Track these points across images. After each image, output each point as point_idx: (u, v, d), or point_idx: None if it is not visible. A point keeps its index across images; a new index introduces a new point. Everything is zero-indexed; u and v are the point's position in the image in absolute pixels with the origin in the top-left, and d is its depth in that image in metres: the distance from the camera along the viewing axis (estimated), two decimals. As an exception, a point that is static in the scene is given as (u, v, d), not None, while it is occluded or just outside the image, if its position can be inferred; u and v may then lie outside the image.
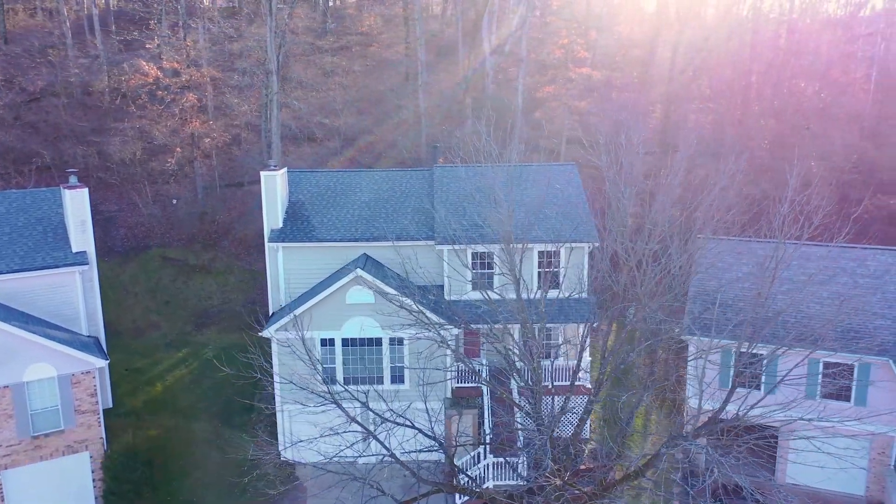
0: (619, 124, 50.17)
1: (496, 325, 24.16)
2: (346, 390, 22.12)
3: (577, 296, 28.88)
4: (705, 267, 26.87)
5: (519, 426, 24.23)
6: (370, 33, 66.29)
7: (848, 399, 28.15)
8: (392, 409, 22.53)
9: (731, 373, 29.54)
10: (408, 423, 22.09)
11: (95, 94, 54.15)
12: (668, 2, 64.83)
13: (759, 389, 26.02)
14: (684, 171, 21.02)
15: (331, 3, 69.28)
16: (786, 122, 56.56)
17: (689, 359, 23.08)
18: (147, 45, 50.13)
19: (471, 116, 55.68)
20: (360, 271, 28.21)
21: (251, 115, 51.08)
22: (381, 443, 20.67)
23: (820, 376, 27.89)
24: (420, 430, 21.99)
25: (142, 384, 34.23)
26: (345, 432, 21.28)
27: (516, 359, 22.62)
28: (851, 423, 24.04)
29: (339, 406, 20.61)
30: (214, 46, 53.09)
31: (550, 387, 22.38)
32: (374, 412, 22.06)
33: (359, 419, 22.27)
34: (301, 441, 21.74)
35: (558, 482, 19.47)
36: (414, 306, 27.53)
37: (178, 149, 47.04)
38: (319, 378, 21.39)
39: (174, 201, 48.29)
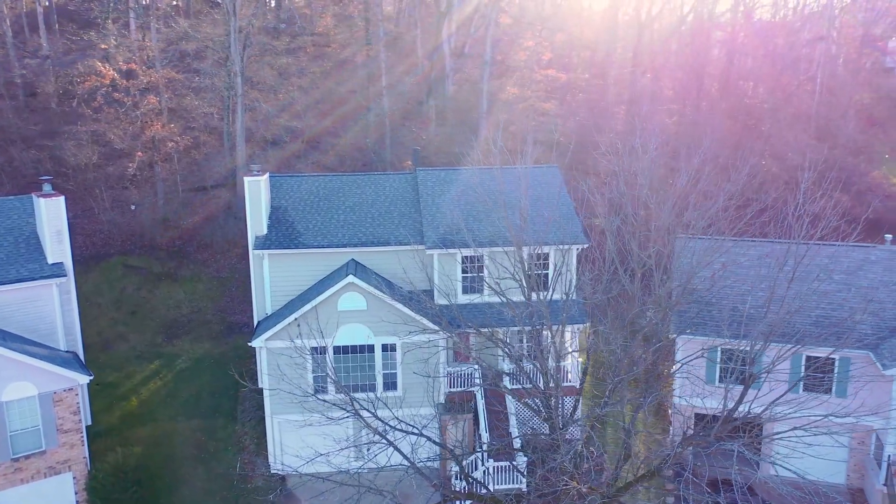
0: (584, 125, 51.10)
1: (502, 328, 24.12)
2: (355, 400, 21.63)
3: (573, 297, 29.01)
4: (691, 267, 27.31)
5: (529, 430, 24.19)
6: (326, 33, 65.31)
7: (829, 392, 29.16)
8: (398, 418, 22.18)
9: (718, 370, 30.57)
10: (415, 430, 21.80)
11: (42, 96, 51.78)
12: (619, 4, 65.82)
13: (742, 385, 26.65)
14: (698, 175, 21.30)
15: (284, 2, 67.97)
16: (739, 122, 58.26)
17: (689, 359, 23.38)
18: (102, 46, 48.10)
19: (434, 119, 55.60)
20: (352, 278, 27.76)
21: (213, 117, 49.62)
22: (402, 453, 20.34)
23: (803, 369, 28.79)
24: (429, 438, 21.73)
25: (116, 399, 32.86)
26: (364, 445, 20.81)
27: (525, 361, 22.58)
28: (833, 415, 24.83)
29: (360, 416, 20.18)
30: (170, 47, 51.38)
31: (558, 388, 22.43)
32: (382, 421, 21.65)
33: (363, 429, 21.84)
34: (320, 455, 20.93)
35: (579, 486, 19.50)
36: (410, 311, 27.35)
37: (139, 153, 45.36)
38: (335, 387, 20.84)
39: (132, 207, 46.58)
